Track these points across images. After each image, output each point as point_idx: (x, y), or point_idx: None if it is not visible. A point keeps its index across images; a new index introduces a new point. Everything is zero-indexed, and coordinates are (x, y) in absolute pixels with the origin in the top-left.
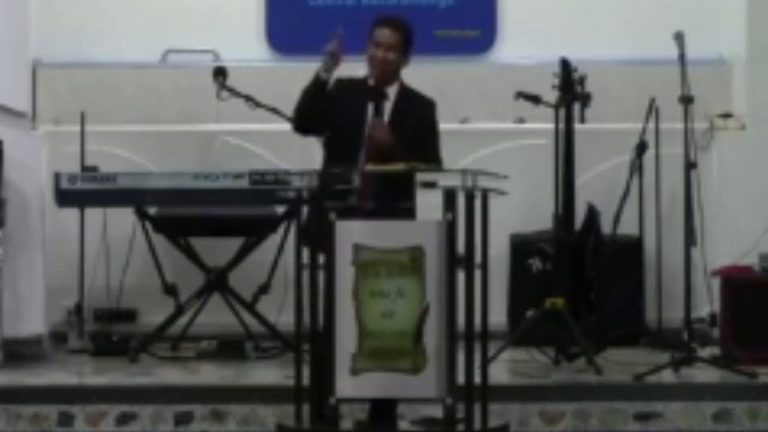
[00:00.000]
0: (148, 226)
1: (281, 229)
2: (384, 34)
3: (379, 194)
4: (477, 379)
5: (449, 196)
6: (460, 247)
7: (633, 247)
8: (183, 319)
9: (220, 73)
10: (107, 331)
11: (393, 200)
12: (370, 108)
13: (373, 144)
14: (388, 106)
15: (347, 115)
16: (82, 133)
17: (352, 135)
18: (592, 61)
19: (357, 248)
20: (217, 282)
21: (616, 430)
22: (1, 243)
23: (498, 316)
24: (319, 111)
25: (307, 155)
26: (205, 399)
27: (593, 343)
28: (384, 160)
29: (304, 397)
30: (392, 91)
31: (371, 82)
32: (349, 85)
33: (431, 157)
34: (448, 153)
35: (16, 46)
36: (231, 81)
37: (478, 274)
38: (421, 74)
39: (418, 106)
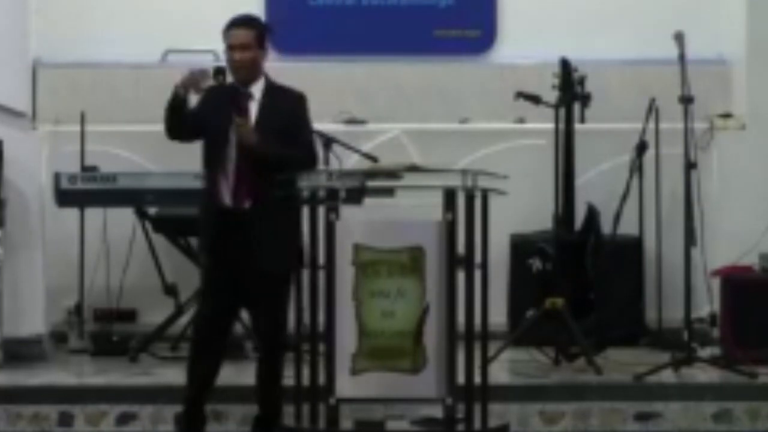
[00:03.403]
0: (148, 226)
1: None
2: (235, 35)
3: (255, 192)
4: (477, 379)
5: (449, 196)
6: (460, 247)
7: (633, 247)
8: (183, 319)
9: (220, 73)
10: (107, 331)
11: (268, 200)
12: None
13: (241, 144)
14: (254, 105)
15: (216, 119)
16: (82, 133)
17: (221, 137)
18: (592, 61)
19: (357, 248)
20: None
21: (616, 430)
22: (1, 243)
23: (498, 316)
24: (184, 122)
25: None
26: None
27: (593, 343)
28: (255, 158)
29: (304, 397)
30: (257, 88)
31: (236, 84)
32: (217, 90)
33: (304, 150)
34: (448, 153)
35: (16, 46)
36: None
37: (478, 274)
38: (421, 74)
39: (285, 101)
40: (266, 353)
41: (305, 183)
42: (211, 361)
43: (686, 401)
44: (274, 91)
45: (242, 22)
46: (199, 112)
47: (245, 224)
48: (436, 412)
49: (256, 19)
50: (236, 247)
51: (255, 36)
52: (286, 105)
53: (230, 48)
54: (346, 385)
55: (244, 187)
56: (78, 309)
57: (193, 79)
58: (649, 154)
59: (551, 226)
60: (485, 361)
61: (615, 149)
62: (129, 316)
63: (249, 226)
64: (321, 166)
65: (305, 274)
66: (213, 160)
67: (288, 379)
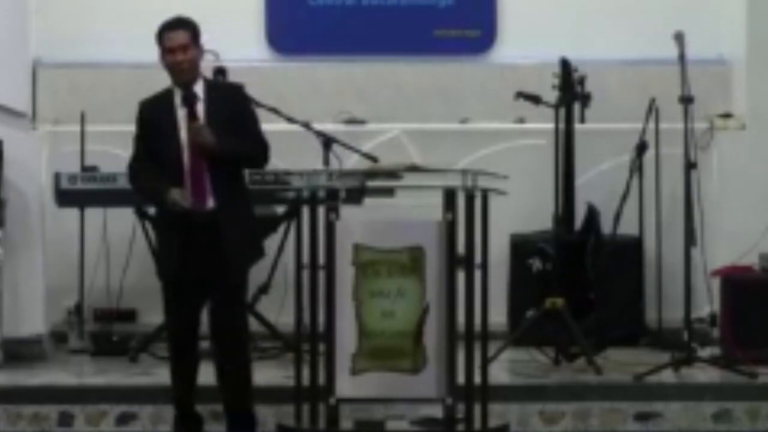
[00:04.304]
0: (148, 226)
1: (281, 229)
2: (174, 37)
3: (214, 192)
4: (477, 379)
5: (449, 196)
6: (460, 247)
7: (633, 247)
8: None
9: (220, 73)
10: (107, 331)
11: (228, 196)
12: (182, 113)
13: (198, 147)
14: (200, 105)
15: (162, 131)
16: (82, 133)
17: (170, 143)
18: (592, 61)
19: (357, 248)
20: None
21: (616, 430)
22: (1, 243)
23: (498, 316)
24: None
25: (307, 155)
26: (205, 399)
27: (593, 343)
28: (211, 157)
29: (304, 397)
30: (199, 88)
31: (177, 88)
32: (154, 103)
33: (255, 140)
34: (448, 153)
35: (16, 46)
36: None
37: (478, 274)
38: (421, 74)
39: (228, 96)
40: (235, 351)
41: (305, 183)
42: (192, 359)
43: (686, 401)
44: (214, 88)
45: (178, 24)
46: (148, 134)
47: (209, 225)
48: (436, 412)
49: (190, 19)
50: (202, 248)
51: (191, 36)
52: (230, 100)
53: (170, 51)
54: (346, 385)
55: (201, 189)
56: (78, 309)
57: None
58: (649, 154)
59: (551, 226)
60: (485, 361)
61: (615, 149)
62: (129, 316)
63: (213, 227)
64: (320, 166)
65: (305, 274)
66: (167, 169)
67: (288, 379)
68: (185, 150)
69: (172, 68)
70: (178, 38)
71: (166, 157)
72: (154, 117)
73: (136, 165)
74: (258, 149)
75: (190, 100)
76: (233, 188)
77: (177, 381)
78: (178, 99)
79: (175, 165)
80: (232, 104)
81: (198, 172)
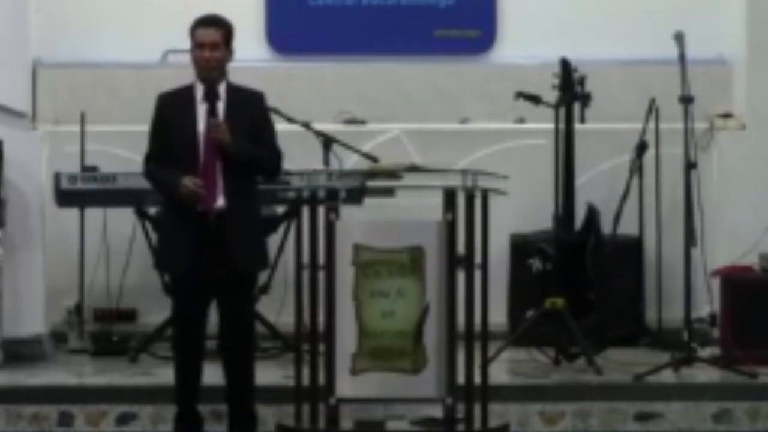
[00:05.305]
0: (148, 226)
1: (281, 229)
2: (206, 34)
3: (226, 192)
4: (477, 379)
5: (449, 196)
6: (460, 247)
7: (633, 247)
8: None
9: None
10: (107, 331)
11: (238, 198)
12: (202, 109)
13: (213, 143)
14: (220, 105)
15: (179, 124)
16: (82, 133)
17: (187, 140)
18: (592, 61)
19: (357, 248)
20: None
21: (616, 430)
22: (1, 243)
23: (498, 316)
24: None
25: (307, 155)
26: (205, 399)
27: (593, 343)
28: (227, 157)
29: (304, 397)
30: (221, 89)
31: (200, 84)
32: (174, 96)
33: (270, 149)
34: (448, 153)
35: (16, 46)
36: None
37: (478, 274)
38: (421, 74)
39: (249, 101)
40: (239, 352)
41: (305, 183)
42: (196, 358)
43: (686, 401)
44: (236, 91)
45: (212, 21)
46: (165, 126)
47: (219, 224)
48: (436, 412)
49: (224, 19)
50: (211, 248)
51: (223, 36)
52: (250, 105)
53: (200, 46)
54: (346, 385)
55: (213, 187)
56: (78, 309)
57: (194, 197)
58: (649, 154)
59: (551, 226)
60: (485, 361)
61: (615, 149)
62: (129, 316)
63: (223, 226)
64: (320, 166)
65: (305, 274)
66: (179, 165)
67: (288, 379)
68: (201, 146)
69: (199, 64)
70: (210, 36)
71: (180, 152)
72: (173, 110)
73: (151, 163)
74: (272, 158)
75: (212, 96)
76: (244, 191)
77: (181, 378)
78: (199, 94)
79: (189, 160)
80: (252, 111)
81: (211, 169)
